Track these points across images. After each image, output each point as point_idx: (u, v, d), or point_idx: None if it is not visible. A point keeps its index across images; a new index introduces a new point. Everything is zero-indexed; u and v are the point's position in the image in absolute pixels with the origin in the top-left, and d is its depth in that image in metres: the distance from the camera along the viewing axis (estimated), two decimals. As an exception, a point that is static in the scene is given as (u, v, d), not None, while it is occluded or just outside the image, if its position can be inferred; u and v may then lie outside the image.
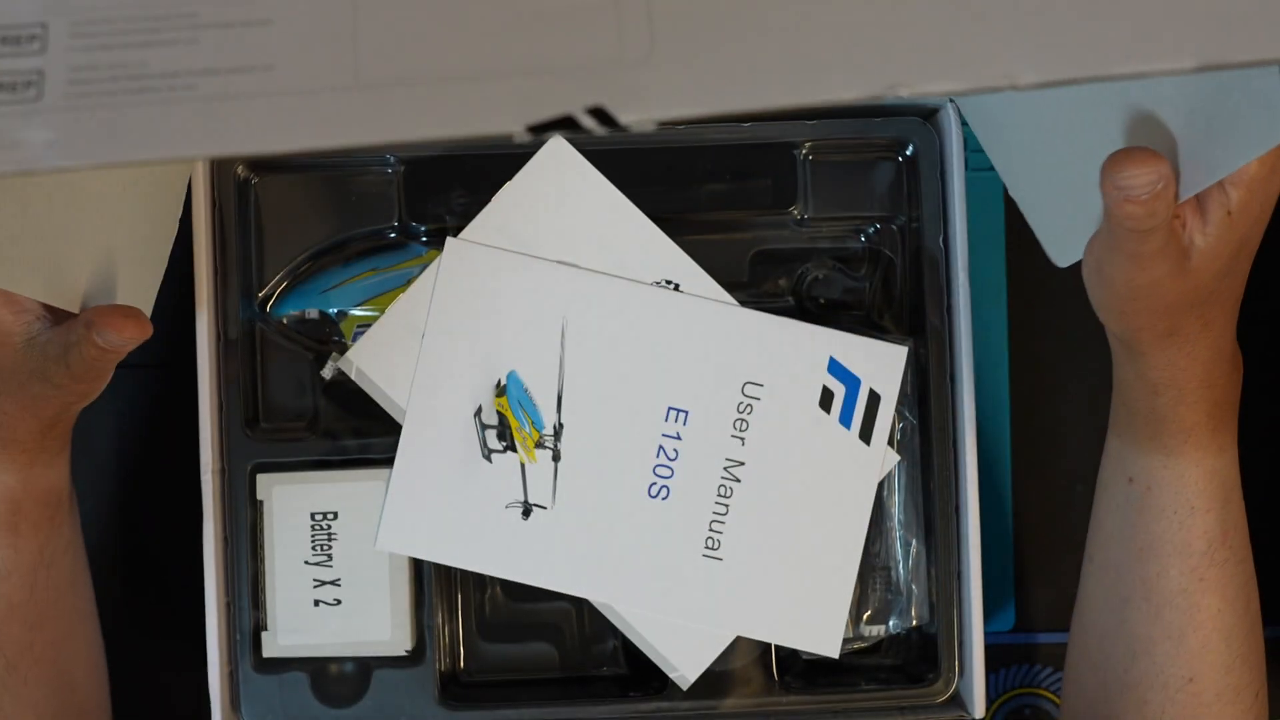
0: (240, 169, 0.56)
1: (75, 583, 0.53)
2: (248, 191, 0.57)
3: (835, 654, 0.56)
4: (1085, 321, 0.64)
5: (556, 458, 0.55)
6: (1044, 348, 0.65)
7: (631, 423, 0.55)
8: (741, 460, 0.55)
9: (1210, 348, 0.45)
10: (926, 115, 0.57)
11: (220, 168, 0.56)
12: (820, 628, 0.56)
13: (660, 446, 0.55)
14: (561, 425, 0.55)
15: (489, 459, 0.55)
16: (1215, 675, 0.48)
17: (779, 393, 0.56)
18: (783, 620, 0.56)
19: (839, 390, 0.56)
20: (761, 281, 0.58)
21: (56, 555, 0.51)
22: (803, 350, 0.56)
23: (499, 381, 0.55)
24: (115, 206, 0.48)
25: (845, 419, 0.56)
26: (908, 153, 0.57)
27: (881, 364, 0.56)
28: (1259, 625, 0.49)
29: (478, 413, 0.55)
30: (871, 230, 0.58)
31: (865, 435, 0.56)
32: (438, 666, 0.56)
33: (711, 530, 0.55)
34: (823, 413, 0.56)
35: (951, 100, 0.56)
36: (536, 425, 0.55)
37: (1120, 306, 0.45)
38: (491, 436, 0.55)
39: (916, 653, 0.58)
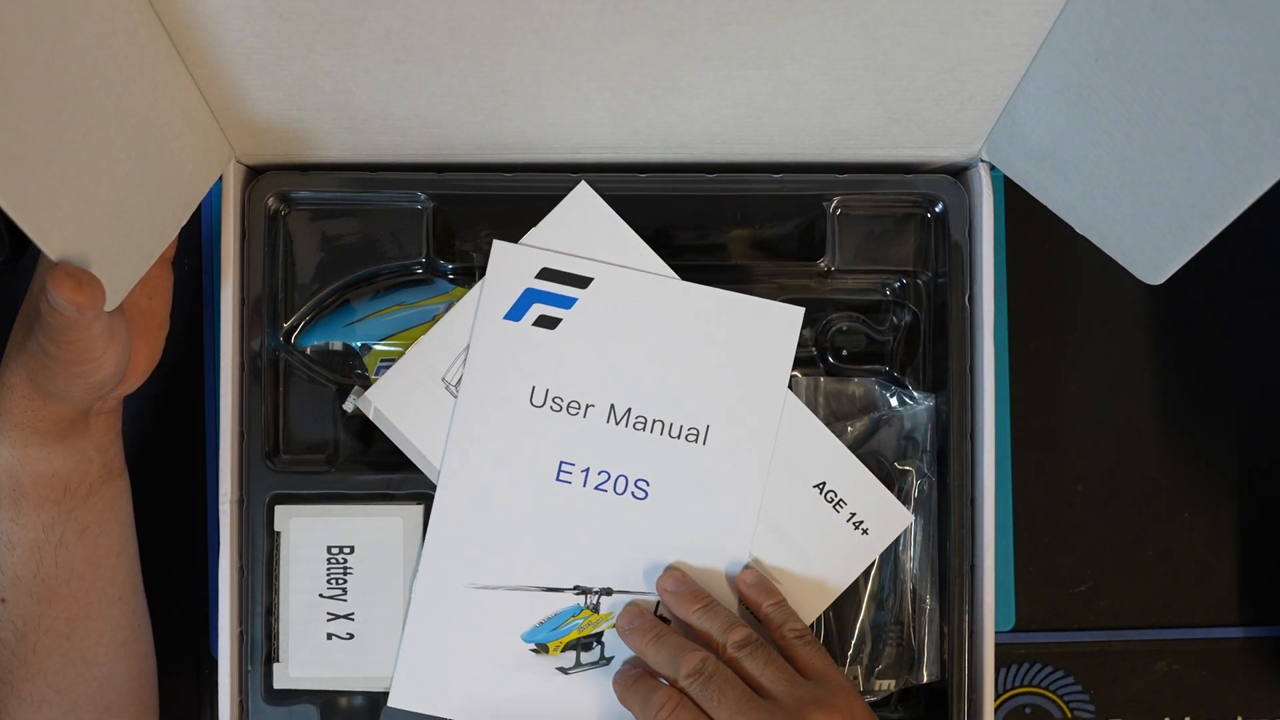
0: (270, 200, 0.56)
1: (97, 567, 0.52)
2: (277, 223, 0.57)
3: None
4: (1085, 321, 0.65)
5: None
6: (1044, 348, 0.65)
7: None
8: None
9: None
10: (957, 174, 0.57)
11: (251, 198, 0.56)
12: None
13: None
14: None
15: (567, 674, 0.56)
16: None
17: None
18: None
19: None
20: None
21: (68, 538, 0.51)
22: None
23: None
24: (128, 176, 0.46)
25: None
26: (937, 210, 0.57)
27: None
28: None
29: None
30: (897, 284, 0.58)
31: None
32: (447, 704, 0.56)
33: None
34: None
35: (983, 160, 0.55)
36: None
37: None
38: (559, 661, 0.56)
39: (925, 709, 0.58)
